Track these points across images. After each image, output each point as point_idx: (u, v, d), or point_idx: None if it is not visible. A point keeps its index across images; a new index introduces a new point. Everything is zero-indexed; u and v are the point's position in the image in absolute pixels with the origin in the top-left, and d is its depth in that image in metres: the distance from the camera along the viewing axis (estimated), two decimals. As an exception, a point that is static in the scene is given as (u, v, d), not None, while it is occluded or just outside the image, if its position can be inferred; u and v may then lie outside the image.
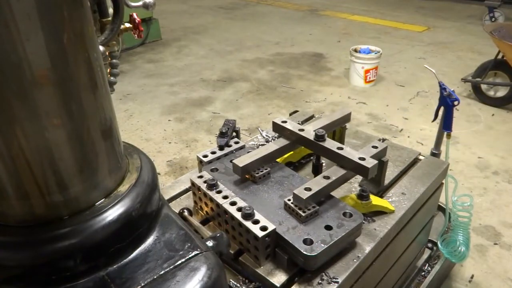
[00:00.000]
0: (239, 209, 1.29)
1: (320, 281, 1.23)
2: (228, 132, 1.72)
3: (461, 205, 2.01)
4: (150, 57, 5.89)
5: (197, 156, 1.67)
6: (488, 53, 5.01)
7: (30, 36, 0.62)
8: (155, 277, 0.81)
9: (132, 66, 5.54)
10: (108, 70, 1.15)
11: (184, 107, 4.42)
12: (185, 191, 1.67)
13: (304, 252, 1.19)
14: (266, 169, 1.52)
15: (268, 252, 1.27)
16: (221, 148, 1.69)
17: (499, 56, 4.07)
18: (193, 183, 1.46)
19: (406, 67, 5.37)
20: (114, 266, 0.82)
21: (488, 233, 2.67)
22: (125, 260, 0.83)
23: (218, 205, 1.35)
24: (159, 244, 0.88)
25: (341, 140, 1.81)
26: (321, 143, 1.52)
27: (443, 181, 1.90)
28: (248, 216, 1.26)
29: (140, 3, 1.11)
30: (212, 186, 1.40)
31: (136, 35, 1.17)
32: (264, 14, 8.12)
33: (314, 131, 1.54)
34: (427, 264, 2.21)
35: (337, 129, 1.76)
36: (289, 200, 1.35)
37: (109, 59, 1.14)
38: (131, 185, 0.88)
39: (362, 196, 1.46)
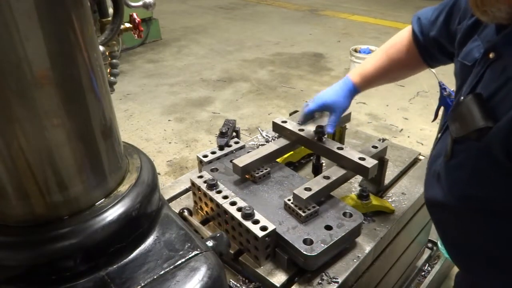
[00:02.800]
0: (239, 209, 1.29)
1: (320, 281, 1.23)
2: (228, 132, 1.72)
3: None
4: (150, 57, 5.89)
5: (197, 156, 1.67)
6: (488, 53, 5.01)
7: (30, 36, 0.62)
8: (155, 277, 0.81)
9: (132, 66, 5.54)
10: (108, 70, 1.15)
11: (184, 107, 4.42)
12: (185, 191, 1.67)
13: (304, 252, 1.19)
14: (266, 169, 1.52)
15: (268, 252, 1.27)
16: (221, 148, 1.69)
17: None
18: (193, 183, 1.46)
19: (406, 67, 5.37)
20: (114, 266, 0.82)
21: (488, 233, 2.67)
22: (125, 260, 0.83)
23: (218, 205, 1.35)
24: (159, 244, 0.88)
25: (341, 140, 1.81)
26: (321, 143, 1.52)
27: (443, 181, 1.90)
28: (248, 216, 1.26)
29: (140, 3, 1.11)
30: (212, 186, 1.40)
31: (136, 35, 1.17)
32: (264, 14, 8.12)
33: (314, 131, 1.54)
34: (427, 264, 2.21)
35: (337, 129, 1.76)
36: (289, 200, 1.35)
37: (109, 59, 1.14)
38: (131, 185, 0.87)
39: (362, 196, 1.46)
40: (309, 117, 1.53)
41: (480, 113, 0.85)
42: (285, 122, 1.65)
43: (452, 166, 1.02)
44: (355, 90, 1.44)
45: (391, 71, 1.41)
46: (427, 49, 1.29)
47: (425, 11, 1.29)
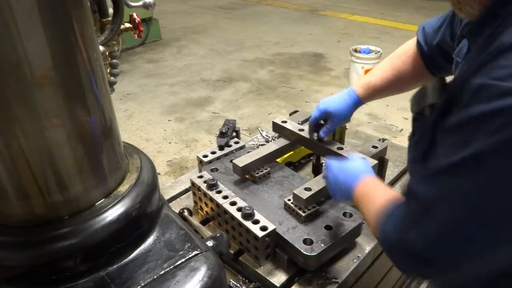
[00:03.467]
0: (239, 209, 1.29)
1: (320, 281, 1.23)
2: (228, 132, 1.72)
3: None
4: (150, 57, 5.89)
5: (197, 156, 1.67)
6: (488, 53, 5.00)
7: (30, 35, 0.62)
8: (155, 277, 0.81)
9: (132, 66, 5.54)
10: (108, 70, 1.15)
11: (184, 107, 4.42)
12: (185, 191, 1.67)
13: (304, 252, 1.19)
14: (266, 169, 1.52)
15: (268, 252, 1.27)
16: (221, 148, 1.69)
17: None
18: (193, 183, 1.46)
19: (406, 67, 5.36)
20: (114, 266, 0.82)
21: (488, 233, 2.66)
22: (125, 260, 0.83)
23: (218, 205, 1.34)
24: (159, 244, 0.88)
25: (341, 140, 1.81)
26: (321, 143, 1.52)
27: (443, 181, 1.90)
28: (248, 216, 1.26)
29: (140, 3, 1.10)
30: (212, 186, 1.40)
31: (136, 35, 1.16)
32: (264, 14, 8.11)
33: (314, 130, 1.54)
34: (427, 264, 2.20)
35: (337, 129, 1.76)
36: (289, 200, 1.35)
37: (109, 59, 1.14)
38: (131, 185, 0.88)
39: (362, 196, 1.46)
40: (314, 124, 1.51)
41: (437, 92, 0.90)
42: (285, 122, 1.65)
43: (412, 143, 1.05)
44: (359, 101, 1.44)
45: (397, 83, 1.42)
46: (431, 58, 1.31)
47: (430, 21, 1.31)
